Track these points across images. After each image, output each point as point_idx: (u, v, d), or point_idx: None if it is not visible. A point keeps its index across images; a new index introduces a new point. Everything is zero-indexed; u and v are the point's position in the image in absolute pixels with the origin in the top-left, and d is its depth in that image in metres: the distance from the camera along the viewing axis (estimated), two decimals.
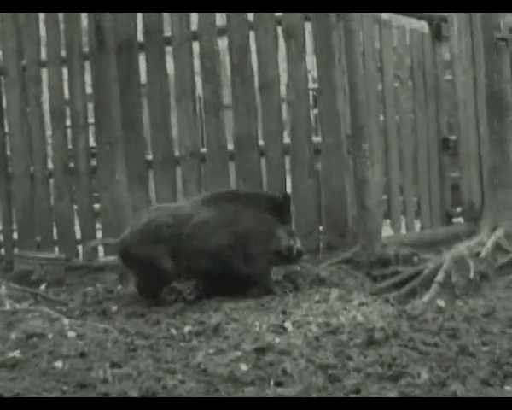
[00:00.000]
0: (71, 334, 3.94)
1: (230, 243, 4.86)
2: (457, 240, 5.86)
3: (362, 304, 4.43)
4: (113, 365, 3.41)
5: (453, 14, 7.14)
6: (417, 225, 7.20)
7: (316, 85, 6.59)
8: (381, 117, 6.81)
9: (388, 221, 6.89)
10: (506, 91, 5.60)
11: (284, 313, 4.31)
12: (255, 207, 4.98)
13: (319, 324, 4.00)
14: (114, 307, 4.80)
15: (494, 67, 5.58)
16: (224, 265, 4.86)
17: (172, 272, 4.85)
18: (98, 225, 6.87)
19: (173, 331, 4.06)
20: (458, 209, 7.40)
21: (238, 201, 5.00)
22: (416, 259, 5.55)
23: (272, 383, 3.17)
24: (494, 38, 5.53)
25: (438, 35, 7.34)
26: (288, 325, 4.04)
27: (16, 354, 3.66)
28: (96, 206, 6.79)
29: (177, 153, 6.52)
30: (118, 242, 4.97)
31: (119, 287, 5.41)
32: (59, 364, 3.45)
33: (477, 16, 6.80)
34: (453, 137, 7.37)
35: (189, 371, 3.32)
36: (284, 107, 6.63)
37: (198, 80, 6.53)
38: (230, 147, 6.39)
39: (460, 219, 7.39)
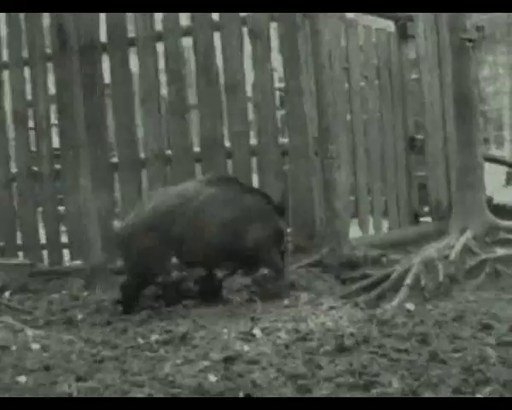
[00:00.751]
0: (35, 346, 3.86)
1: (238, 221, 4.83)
2: (426, 240, 5.84)
3: (331, 308, 4.39)
4: (79, 378, 3.33)
5: (419, 14, 7.12)
6: (385, 224, 7.18)
7: (282, 84, 6.53)
8: (348, 117, 6.77)
9: (356, 221, 6.85)
10: (473, 92, 5.59)
11: (253, 319, 4.27)
12: (256, 193, 5.02)
13: (288, 330, 3.95)
14: (80, 316, 4.71)
15: (461, 68, 5.56)
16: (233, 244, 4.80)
17: (166, 267, 4.79)
18: (63, 229, 6.77)
19: (140, 341, 3.99)
20: (426, 208, 7.40)
21: (243, 186, 5.02)
22: (384, 260, 5.52)
23: (241, 394, 3.10)
24: (460, 38, 5.50)
25: (404, 34, 7.33)
26: (256, 331, 3.99)
27: None
28: (61, 209, 6.69)
29: (142, 155, 6.44)
30: (118, 230, 4.86)
31: (85, 293, 5.32)
32: (22, 379, 3.36)
33: (443, 16, 6.80)
34: (420, 137, 7.36)
35: (156, 384, 3.25)
36: (250, 107, 6.57)
37: (163, 81, 6.44)
38: (196, 149, 6.32)
39: (427, 219, 7.38)
